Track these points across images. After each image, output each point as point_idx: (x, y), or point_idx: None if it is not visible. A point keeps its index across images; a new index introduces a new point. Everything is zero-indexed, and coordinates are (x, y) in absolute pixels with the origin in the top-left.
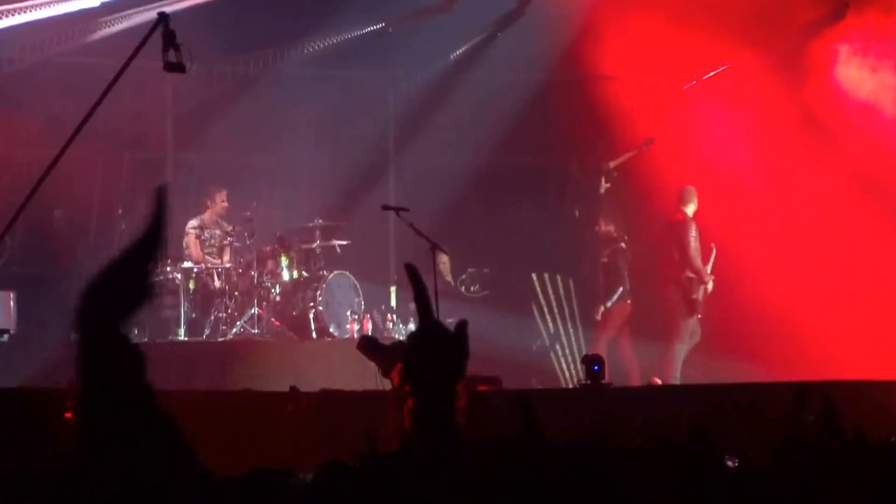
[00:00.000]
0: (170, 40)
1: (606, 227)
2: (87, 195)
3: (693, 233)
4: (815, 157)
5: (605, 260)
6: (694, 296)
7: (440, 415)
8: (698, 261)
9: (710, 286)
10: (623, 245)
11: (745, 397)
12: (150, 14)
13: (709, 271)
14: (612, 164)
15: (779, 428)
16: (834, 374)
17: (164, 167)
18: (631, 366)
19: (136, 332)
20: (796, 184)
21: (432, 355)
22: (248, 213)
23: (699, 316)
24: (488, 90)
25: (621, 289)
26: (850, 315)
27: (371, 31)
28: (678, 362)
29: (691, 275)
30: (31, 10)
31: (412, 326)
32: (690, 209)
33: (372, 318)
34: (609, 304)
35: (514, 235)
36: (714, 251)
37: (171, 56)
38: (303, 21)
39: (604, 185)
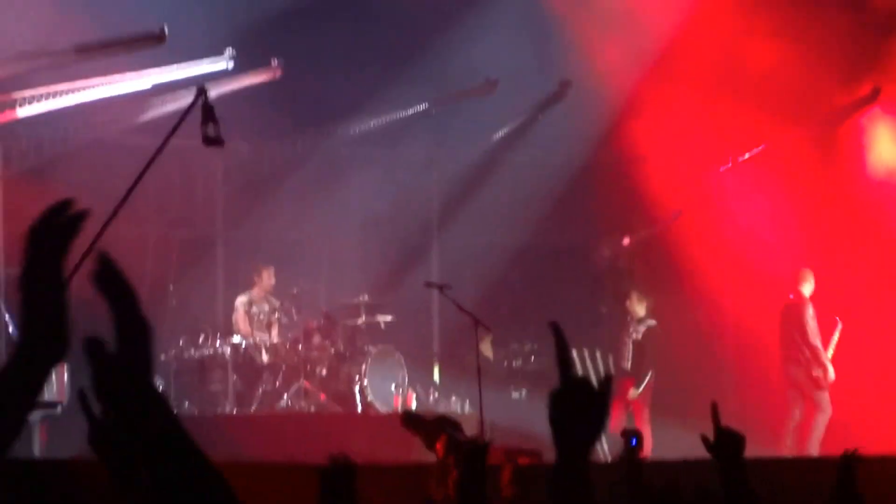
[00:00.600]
0: (208, 114)
1: (638, 304)
2: (139, 271)
3: (811, 312)
4: (850, 234)
5: (637, 338)
6: (815, 374)
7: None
8: (817, 341)
9: (831, 372)
10: (653, 323)
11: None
12: (212, 91)
13: (830, 353)
14: (626, 241)
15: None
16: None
17: (215, 245)
18: (645, 436)
19: (187, 405)
20: (833, 260)
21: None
22: (295, 290)
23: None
24: (530, 170)
25: (651, 372)
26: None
27: (416, 112)
28: (818, 433)
29: (808, 355)
30: (86, 91)
31: (454, 399)
32: (807, 290)
33: (416, 392)
34: (640, 388)
35: (555, 312)
36: (839, 328)
37: (210, 130)
38: (350, 102)
39: (621, 261)
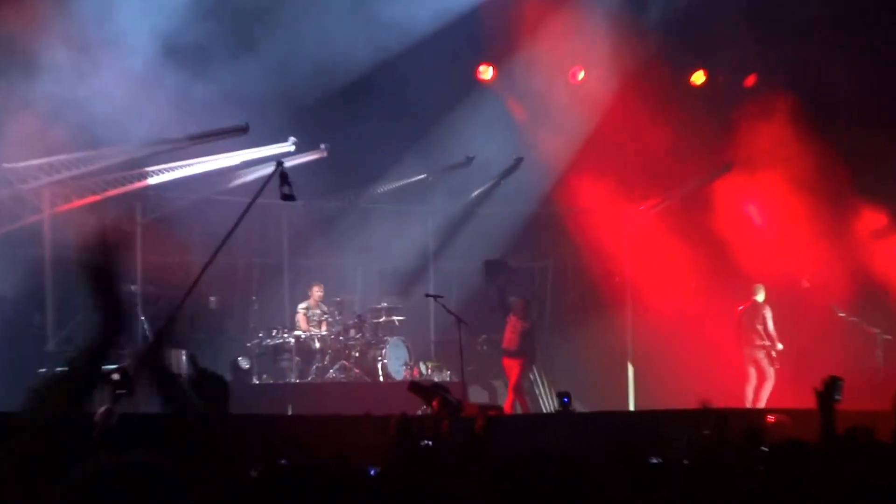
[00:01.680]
0: (284, 178)
1: (525, 310)
2: (231, 288)
3: (769, 313)
4: (718, 261)
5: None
6: (773, 353)
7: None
8: (774, 331)
9: (779, 346)
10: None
11: (669, 418)
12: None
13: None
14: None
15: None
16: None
17: (283, 269)
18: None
19: (265, 376)
20: (710, 279)
21: None
22: (338, 299)
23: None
24: (495, 218)
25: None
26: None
27: (418, 179)
28: (766, 393)
29: (767, 342)
30: (195, 165)
31: (445, 372)
32: (761, 297)
33: (418, 368)
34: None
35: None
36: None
37: (286, 190)
38: (374, 172)
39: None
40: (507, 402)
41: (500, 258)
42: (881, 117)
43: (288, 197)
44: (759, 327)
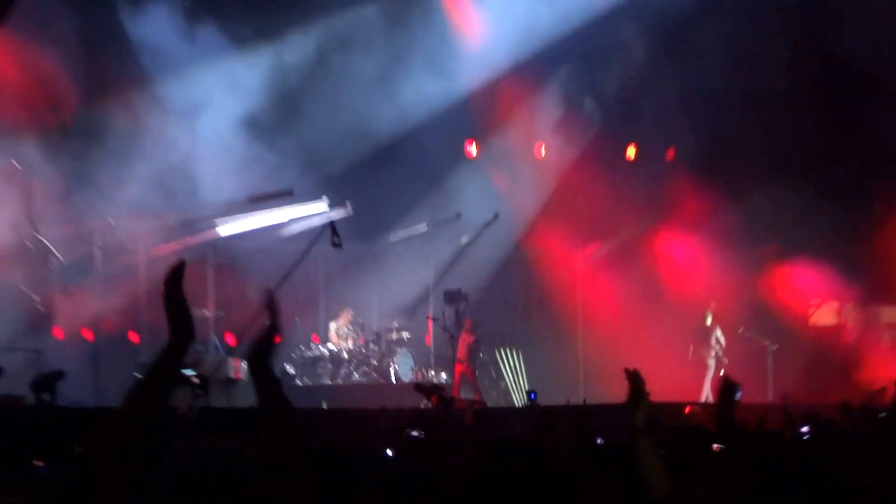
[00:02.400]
0: (335, 231)
1: (469, 332)
2: (289, 311)
3: (720, 331)
4: (648, 291)
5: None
6: (724, 361)
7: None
8: (724, 342)
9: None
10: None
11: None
12: (316, 220)
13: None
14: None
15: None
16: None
17: (318, 297)
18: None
19: (305, 379)
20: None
21: None
22: (361, 320)
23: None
24: (476, 260)
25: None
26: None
27: (420, 229)
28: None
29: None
30: (253, 219)
31: (442, 376)
32: (709, 319)
33: (422, 371)
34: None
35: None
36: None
37: (335, 240)
38: (388, 223)
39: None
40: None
41: (458, 289)
42: (782, 170)
43: (337, 245)
44: (712, 342)
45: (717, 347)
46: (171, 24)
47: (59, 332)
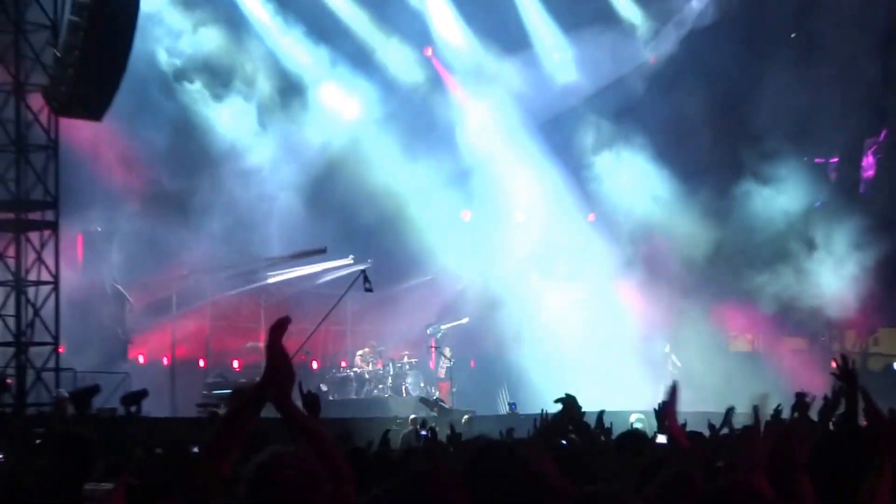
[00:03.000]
0: (367, 279)
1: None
2: (316, 343)
3: (674, 356)
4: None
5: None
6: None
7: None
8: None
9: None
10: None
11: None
12: (344, 271)
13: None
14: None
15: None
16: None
17: (347, 332)
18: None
19: (336, 394)
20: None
21: None
22: (380, 349)
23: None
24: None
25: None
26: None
27: (425, 279)
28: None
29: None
30: (294, 270)
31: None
32: (667, 348)
33: (426, 388)
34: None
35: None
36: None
37: (367, 285)
38: (390, 275)
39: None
40: None
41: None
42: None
43: (369, 290)
44: (669, 366)
45: (674, 368)
46: (244, 117)
47: (142, 359)
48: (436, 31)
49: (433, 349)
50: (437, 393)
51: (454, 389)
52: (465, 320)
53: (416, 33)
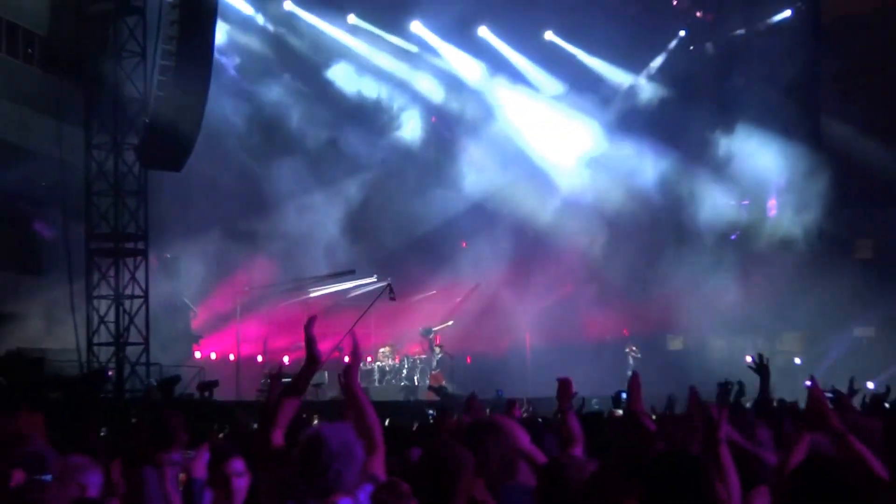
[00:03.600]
0: (391, 290)
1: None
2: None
3: (637, 352)
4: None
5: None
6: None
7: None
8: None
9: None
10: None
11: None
12: (370, 287)
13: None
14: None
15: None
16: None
17: (371, 334)
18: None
19: (365, 384)
20: None
21: None
22: (398, 347)
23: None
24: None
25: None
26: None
27: (432, 293)
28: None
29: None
30: (325, 288)
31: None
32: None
33: (434, 376)
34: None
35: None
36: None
37: (392, 296)
38: (415, 289)
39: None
40: None
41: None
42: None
43: (393, 299)
44: (630, 360)
45: (633, 361)
46: (295, 172)
47: (214, 355)
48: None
49: (428, 346)
50: (434, 382)
51: (444, 380)
52: (450, 323)
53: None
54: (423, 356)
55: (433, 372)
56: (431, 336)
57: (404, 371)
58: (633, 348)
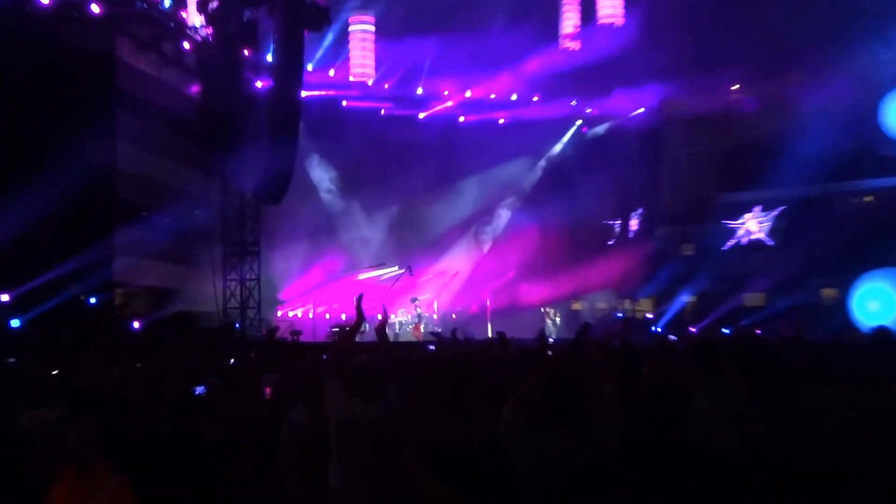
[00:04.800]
0: (410, 269)
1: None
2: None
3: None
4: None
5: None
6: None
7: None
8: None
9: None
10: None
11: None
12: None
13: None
14: None
15: None
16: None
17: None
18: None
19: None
20: None
21: None
22: (417, 302)
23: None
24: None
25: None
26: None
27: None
28: None
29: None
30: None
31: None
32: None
33: (415, 328)
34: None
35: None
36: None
37: (410, 272)
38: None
39: None
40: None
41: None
42: None
43: (410, 274)
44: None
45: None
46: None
47: (299, 313)
48: None
49: (414, 309)
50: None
51: (421, 331)
52: (427, 295)
53: None
54: (427, 313)
55: (413, 325)
56: (417, 302)
57: (415, 322)
58: (550, 310)
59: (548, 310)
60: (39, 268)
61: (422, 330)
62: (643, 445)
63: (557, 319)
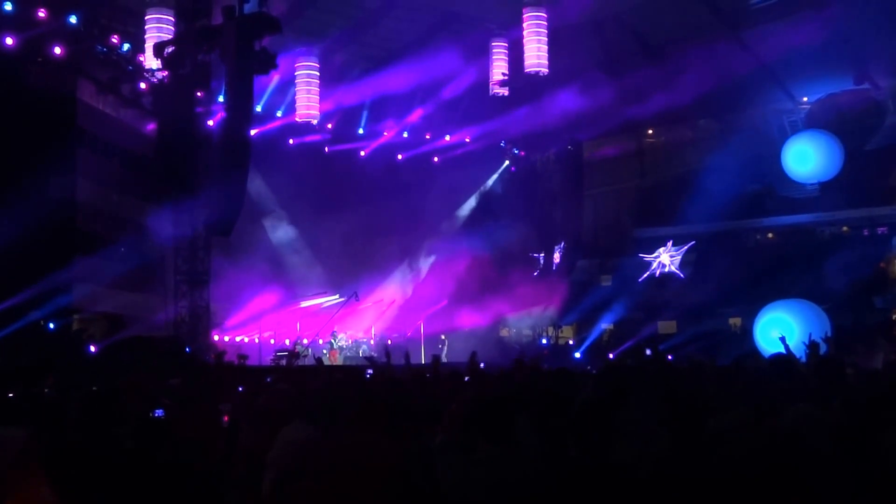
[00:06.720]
0: (356, 295)
1: None
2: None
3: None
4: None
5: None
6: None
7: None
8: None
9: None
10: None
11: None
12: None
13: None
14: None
15: None
16: None
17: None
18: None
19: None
20: None
21: None
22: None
23: None
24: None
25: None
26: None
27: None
28: None
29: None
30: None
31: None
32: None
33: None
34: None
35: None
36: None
37: (355, 298)
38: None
39: None
40: None
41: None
42: None
43: (356, 301)
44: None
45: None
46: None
47: (245, 339)
48: None
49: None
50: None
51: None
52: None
53: None
54: (365, 339)
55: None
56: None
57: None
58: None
59: (443, 337)
60: (2, 294)
61: (337, 356)
62: (569, 466)
63: (445, 349)
